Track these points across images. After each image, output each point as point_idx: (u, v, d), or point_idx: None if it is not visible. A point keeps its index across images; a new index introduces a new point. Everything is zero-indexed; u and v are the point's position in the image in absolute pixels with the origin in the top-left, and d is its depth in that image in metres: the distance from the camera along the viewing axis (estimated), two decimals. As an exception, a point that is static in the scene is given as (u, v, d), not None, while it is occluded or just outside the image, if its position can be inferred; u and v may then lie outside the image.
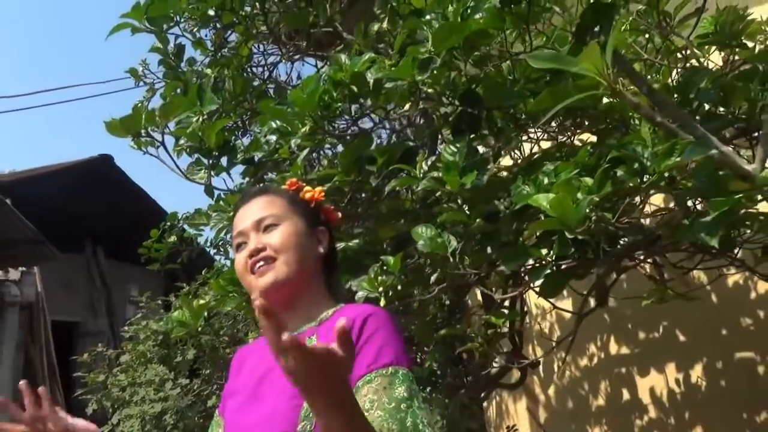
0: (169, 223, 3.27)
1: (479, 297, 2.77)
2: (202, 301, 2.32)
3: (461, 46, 1.55)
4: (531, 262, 1.55)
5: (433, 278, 1.59)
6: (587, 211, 1.32)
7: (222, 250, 3.55)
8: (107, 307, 9.14)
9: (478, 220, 1.51)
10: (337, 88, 1.66)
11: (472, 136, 1.63)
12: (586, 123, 1.87)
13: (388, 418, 1.00)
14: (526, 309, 2.32)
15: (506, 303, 2.11)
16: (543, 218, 1.34)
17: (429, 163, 1.62)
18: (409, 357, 1.14)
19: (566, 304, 3.39)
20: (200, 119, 1.84)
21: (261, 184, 1.61)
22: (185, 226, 3.28)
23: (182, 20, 2.28)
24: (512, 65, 1.71)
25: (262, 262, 1.16)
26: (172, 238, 3.28)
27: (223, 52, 2.36)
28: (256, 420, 1.10)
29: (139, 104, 2.49)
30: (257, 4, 2.22)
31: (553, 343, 2.18)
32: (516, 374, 2.86)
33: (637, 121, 1.57)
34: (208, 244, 3.49)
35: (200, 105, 1.85)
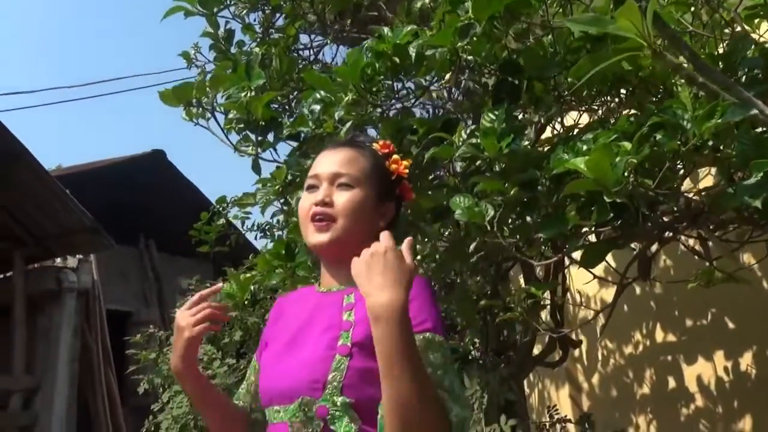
0: (218, 207, 3.38)
1: (521, 281, 2.77)
2: (248, 275, 2.40)
3: (502, 16, 1.57)
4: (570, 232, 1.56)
5: (471, 247, 1.62)
6: (625, 174, 1.32)
7: (269, 233, 3.64)
8: (158, 298, 9.41)
9: (515, 189, 1.53)
10: (379, 59, 1.70)
11: (511, 105, 1.66)
12: (625, 99, 1.87)
13: None
14: (567, 285, 2.31)
15: (546, 278, 2.12)
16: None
17: (468, 132, 1.64)
18: (444, 325, 1.15)
19: (608, 294, 3.36)
20: (248, 94, 1.91)
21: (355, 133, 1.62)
22: (233, 210, 3.39)
23: (231, 3, 2.36)
24: (553, 38, 1.72)
25: (322, 217, 1.18)
26: (221, 221, 3.38)
27: (271, 35, 2.44)
28: (289, 367, 1.13)
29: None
30: (304, -14, 2.29)
31: (592, 313, 2.17)
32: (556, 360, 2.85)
33: (679, 89, 1.56)
34: (255, 227, 3.59)
35: (248, 80, 1.91)
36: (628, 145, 1.37)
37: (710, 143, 1.47)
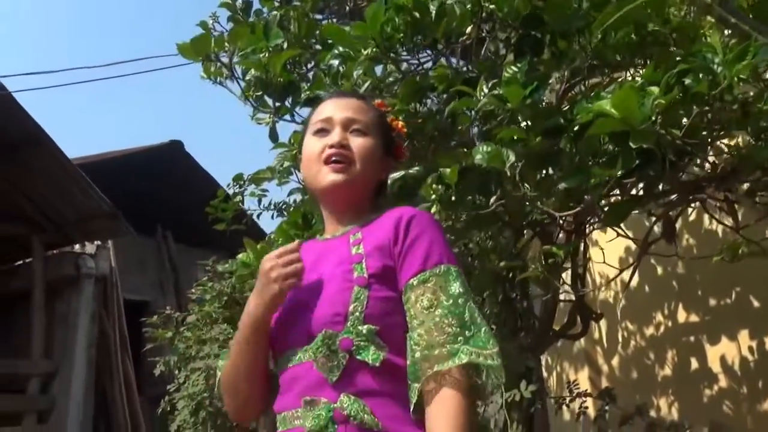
0: (235, 184, 3.36)
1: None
2: (265, 245, 2.38)
3: (525, -35, 1.54)
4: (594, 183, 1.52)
5: (492, 201, 1.59)
6: (652, 118, 1.28)
7: (285, 213, 3.61)
8: (175, 288, 9.45)
9: (538, 138, 1.50)
10: (399, 13, 1.67)
11: (534, 60, 1.62)
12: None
13: (448, 315, 1.02)
14: (588, 255, 2.27)
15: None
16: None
17: (489, 86, 1.61)
18: (454, 254, 1.15)
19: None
20: (266, 54, 1.89)
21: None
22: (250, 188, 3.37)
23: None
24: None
25: (340, 158, 1.17)
26: (238, 198, 3.37)
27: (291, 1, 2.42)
28: (306, 308, 1.10)
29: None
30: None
31: (615, 272, 2.12)
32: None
33: (708, 38, 1.51)
34: (272, 206, 3.57)
35: (266, 40, 1.89)
36: (655, 89, 1.33)
37: (739, 96, 1.43)
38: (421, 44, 1.90)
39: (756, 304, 2.78)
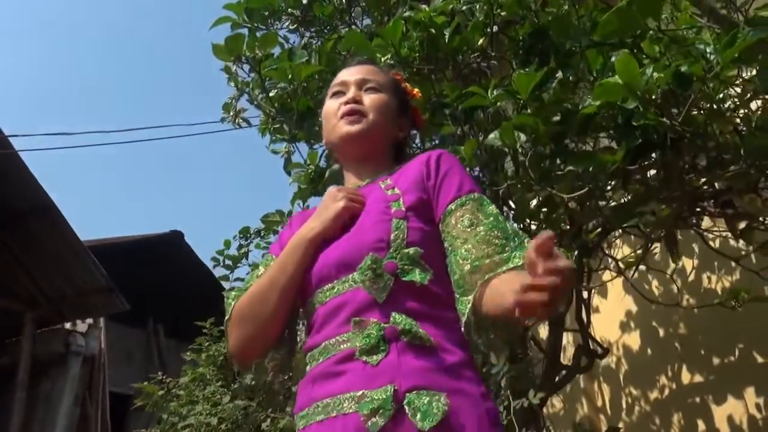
0: (242, 236, 3.42)
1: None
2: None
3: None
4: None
5: (502, 189, 1.66)
6: (653, 92, 1.39)
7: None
8: (162, 383, 9.17)
9: (546, 125, 1.60)
10: (416, 27, 1.83)
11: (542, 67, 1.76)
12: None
13: (492, 229, 1.06)
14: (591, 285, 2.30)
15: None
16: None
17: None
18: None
19: (629, 339, 3.29)
20: (290, 74, 2.03)
21: None
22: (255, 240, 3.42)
23: (278, 17, 2.55)
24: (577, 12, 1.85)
25: (353, 113, 1.25)
26: (243, 251, 3.41)
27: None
28: (345, 239, 1.12)
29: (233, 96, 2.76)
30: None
31: (620, 266, 2.13)
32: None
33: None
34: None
35: (290, 60, 2.04)
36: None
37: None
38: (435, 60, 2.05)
39: (760, 359, 2.76)
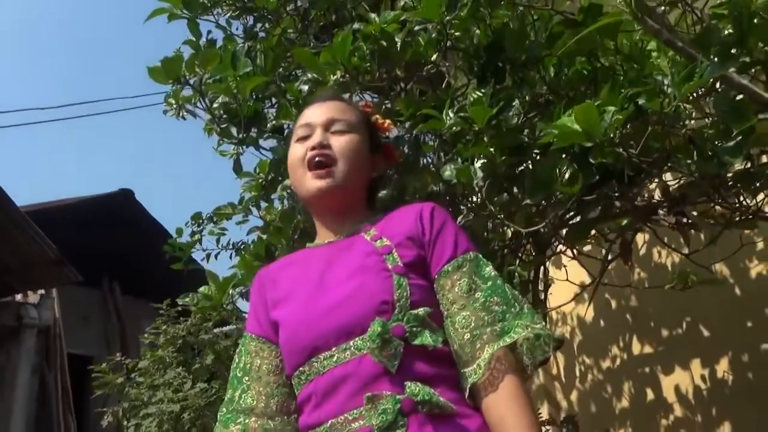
0: (194, 223, 3.32)
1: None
2: (228, 276, 2.35)
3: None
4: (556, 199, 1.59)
5: (460, 219, 1.63)
6: (611, 132, 1.36)
7: (244, 253, 3.58)
8: (122, 342, 9.11)
9: (503, 156, 1.56)
10: (366, 41, 1.74)
11: (497, 87, 1.70)
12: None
13: (491, 295, 1.03)
14: (549, 280, 2.32)
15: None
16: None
17: (456, 108, 1.68)
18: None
19: (583, 309, 3.38)
20: (234, 82, 1.92)
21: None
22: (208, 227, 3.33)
23: (216, 6, 2.39)
24: (533, 23, 1.79)
25: (322, 159, 1.16)
26: (196, 237, 3.32)
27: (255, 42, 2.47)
28: (336, 300, 1.05)
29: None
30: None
31: (570, 309, 2.17)
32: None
33: (658, 61, 1.62)
34: (230, 246, 3.53)
35: (233, 69, 1.92)
36: (612, 108, 1.42)
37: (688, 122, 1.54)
38: (386, 75, 1.97)
39: (706, 333, 2.88)
